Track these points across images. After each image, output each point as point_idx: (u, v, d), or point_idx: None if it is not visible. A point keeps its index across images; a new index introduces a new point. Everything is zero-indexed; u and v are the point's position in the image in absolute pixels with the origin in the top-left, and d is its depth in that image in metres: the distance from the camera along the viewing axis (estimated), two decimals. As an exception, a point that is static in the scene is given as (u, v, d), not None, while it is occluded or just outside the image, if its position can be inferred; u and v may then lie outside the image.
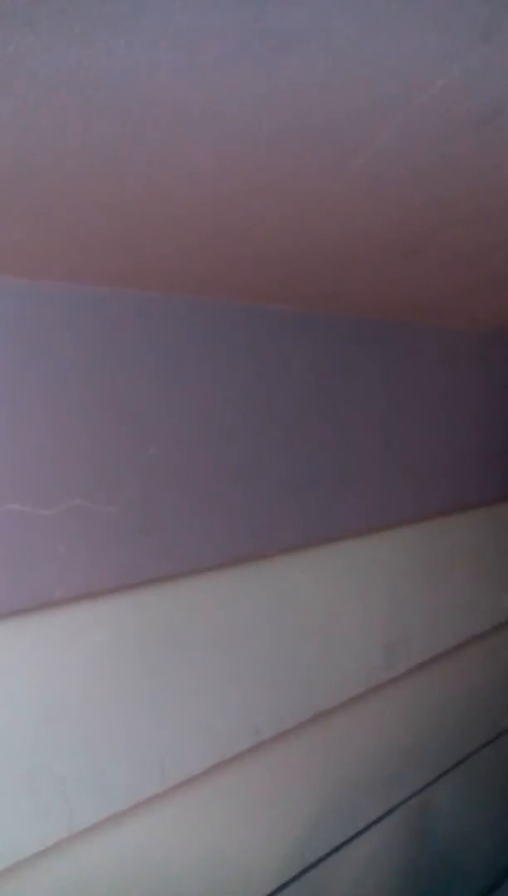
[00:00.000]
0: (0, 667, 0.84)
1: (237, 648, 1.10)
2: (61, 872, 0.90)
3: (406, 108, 0.60)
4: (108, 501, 0.90)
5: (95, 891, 0.94)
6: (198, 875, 1.09)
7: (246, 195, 0.73)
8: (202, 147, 0.61)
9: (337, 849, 1.31)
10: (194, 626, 1.05)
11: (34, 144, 0.57)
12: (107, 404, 0.92)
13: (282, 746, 1.20)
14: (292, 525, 1.14)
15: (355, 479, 1.26)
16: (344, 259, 0.97)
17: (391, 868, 1.40)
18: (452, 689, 1.59)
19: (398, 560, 1.41)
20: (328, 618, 1.25)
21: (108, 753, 0.93)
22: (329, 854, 1.30)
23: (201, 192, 0.70)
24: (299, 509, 1.15)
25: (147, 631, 0.99)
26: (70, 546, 0.88)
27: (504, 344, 1.70)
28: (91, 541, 0.90)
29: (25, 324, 0.86)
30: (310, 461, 1.18)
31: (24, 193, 0.65)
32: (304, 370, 1.19)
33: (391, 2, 0.48)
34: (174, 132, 0.58)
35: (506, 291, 1.33)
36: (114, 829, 0.96)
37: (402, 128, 0.63)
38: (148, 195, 0.69)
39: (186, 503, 1.00)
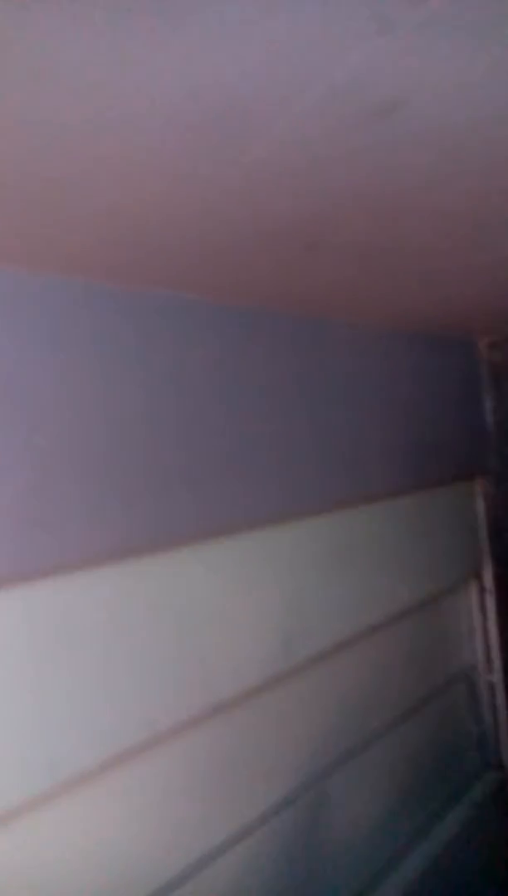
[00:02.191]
0: None
1: (133, 641, 1.08)
2: None
3: (304, 97, 0.60)
4: (-6, 491, 0.86)
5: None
6: (89, 872, 1.06)
7: (140, 175, 0.71)
8: (91, 122, 0.59)
9: (236, 839, 1.32)
10: (89, 618, 1.02)
11: None
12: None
13: (179, 738, 1.19)
14: (190, 517, 1.13)
15: (255, 471, 1.26)
16: (246, 248, 0.96)
17: (287, 856, 1.41)
18: (349, 678, 1.62)
19: (298, 551, 1.42)
20: (226, 609, 1.25)
21: (-6, 752, 0.90)
22: (228, 844, 1.30)
23: (94, 170, 0.68)
24: (197, 501, 1.14)
25: (38, 624, 0.96)
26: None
27: (406, 340, 1.74)
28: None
29: None
30: (209, 452, 1.17)
31: None
32: (204, 360, 1.17)
33: (287, -16, 0.47)
34: (56, 102, 0.56)
35: (408, 289, 1.35)
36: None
37: (300, 116, 0.63)
38: (34, 171, 0.66)
39: (79, 494, 0.97)
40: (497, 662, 2.12)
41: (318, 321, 1.44)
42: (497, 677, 2.13)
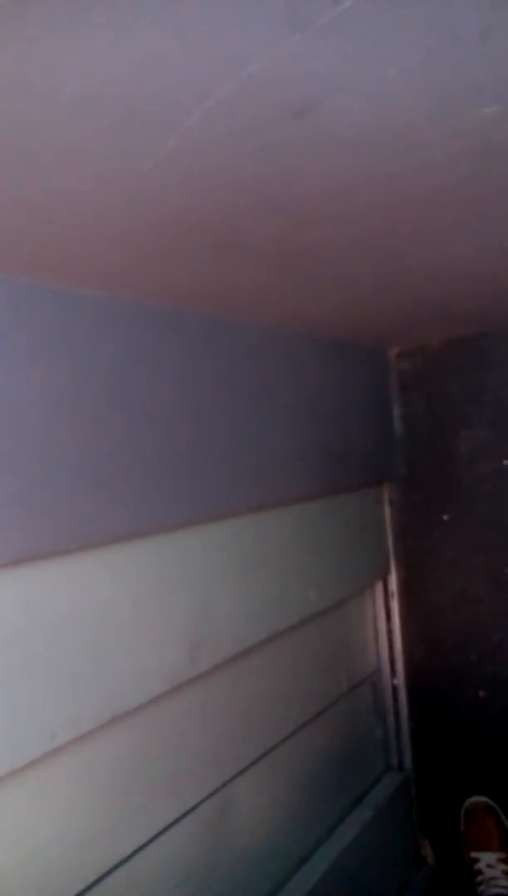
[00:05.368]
0: None
1: (33, 649, 1.04)
2: None
3: (218, 91, 0.58)
4: None
5: None
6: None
7: (56, 170, 0.67)
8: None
9: (139, 850, 1.28)
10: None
11: None
12: None
13: (81, 750, 1.15)
14: (93, 520, 1.09)
15: (163, 474, 1.23)
16: (157, 244, 0.94)
17: (192, 865, 1.39)
18: (256, 683, 1.61)
19: (207, 556, 1.40)
20: (131, 616, 1.21)
21: None
22: (131, 856, 1.27)
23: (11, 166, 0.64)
24: (100, 504, 1.10)
25: None
26: None
27: (320, 346, 1.75)
28: None
29: None
30: (115, 453, 1.14)
31: None
32: (112, 358, 1.14)
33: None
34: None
35: (321, 295, 1.36)
36: None
37: (215, 111, 0.61)
38: None
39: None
40: (401, 666, 2.16)
41: (232, 323, 1.42)
42: (400, 681, 2.17)
